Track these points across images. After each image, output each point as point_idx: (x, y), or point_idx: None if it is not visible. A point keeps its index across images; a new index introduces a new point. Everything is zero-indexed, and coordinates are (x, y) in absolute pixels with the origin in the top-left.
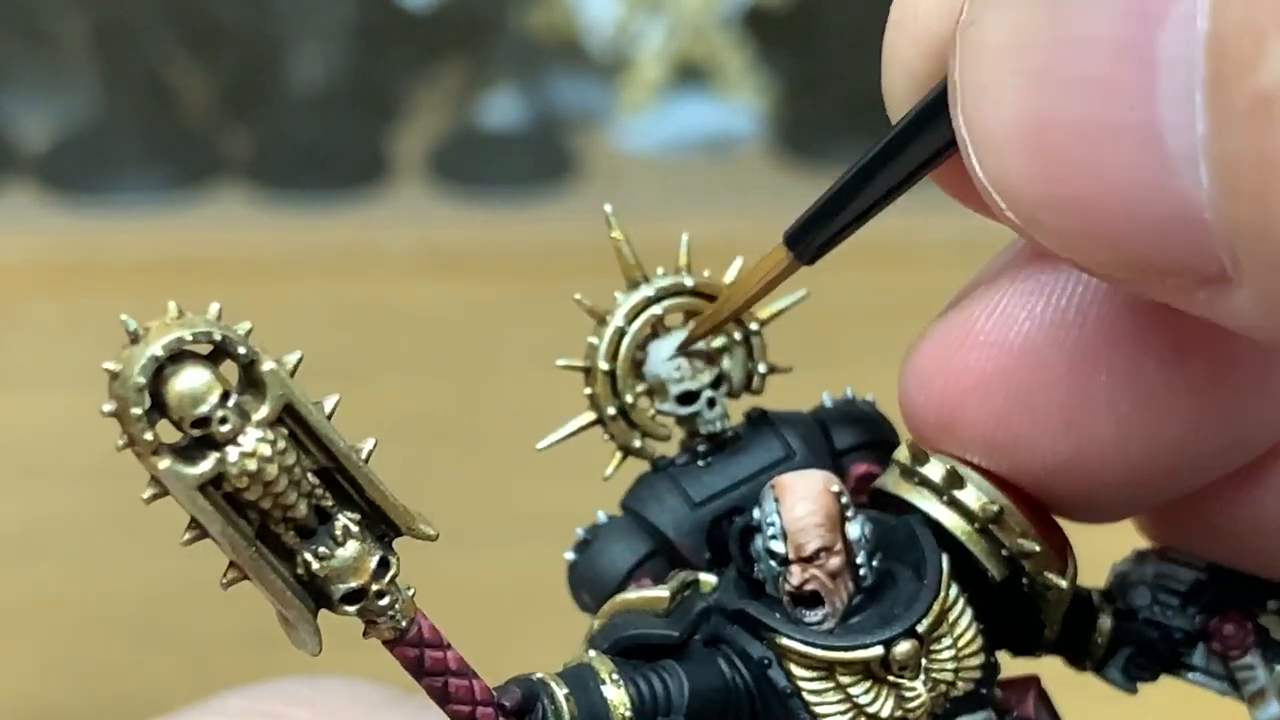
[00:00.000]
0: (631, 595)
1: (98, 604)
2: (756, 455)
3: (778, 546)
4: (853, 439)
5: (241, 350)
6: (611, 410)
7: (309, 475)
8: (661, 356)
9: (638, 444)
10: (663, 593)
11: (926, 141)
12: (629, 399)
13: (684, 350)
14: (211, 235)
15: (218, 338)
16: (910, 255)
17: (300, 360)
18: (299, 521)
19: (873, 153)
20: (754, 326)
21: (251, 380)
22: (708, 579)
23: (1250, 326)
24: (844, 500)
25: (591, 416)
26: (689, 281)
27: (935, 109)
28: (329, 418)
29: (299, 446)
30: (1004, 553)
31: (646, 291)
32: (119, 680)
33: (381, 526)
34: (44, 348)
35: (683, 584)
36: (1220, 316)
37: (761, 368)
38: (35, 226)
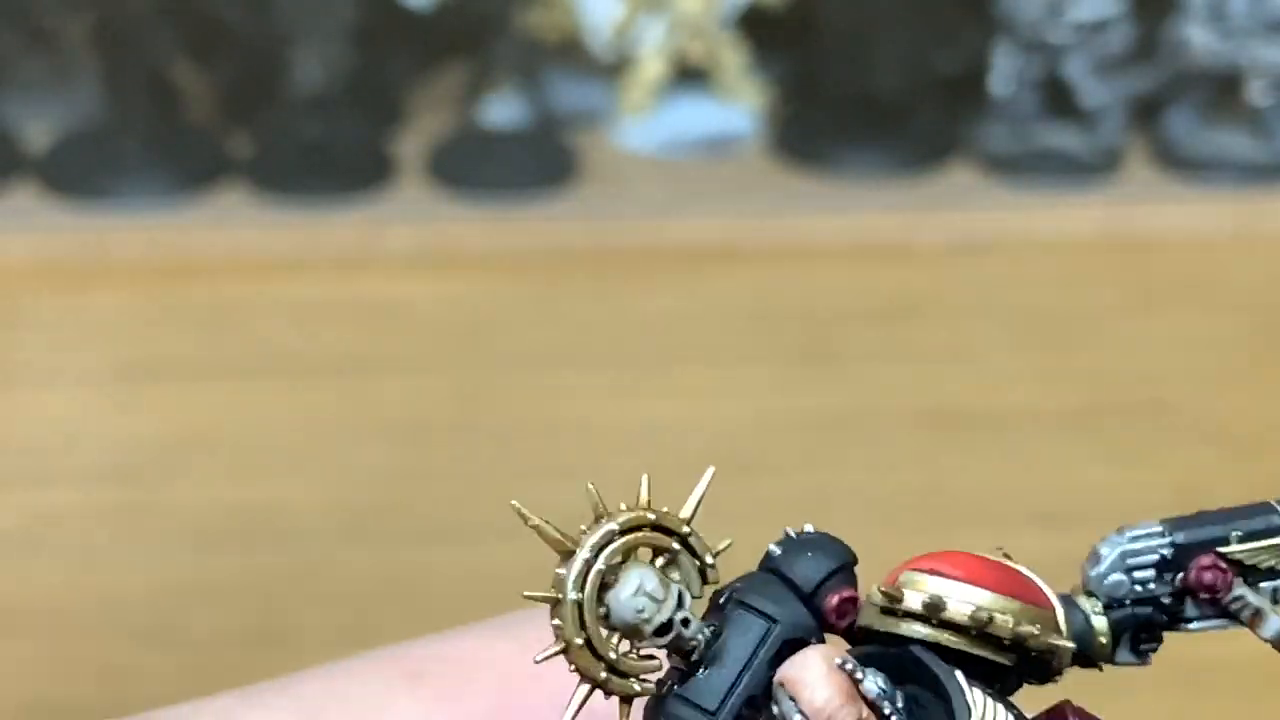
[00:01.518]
0: None
1: (99, 603)
2: (743, 639)
3: None
4: (815, 574)
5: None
6: (579, 641)
7: None
8: (622, 600)
9: (603, 676)
10: None
11: None
12: (611, 643)
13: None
14: (214, 235)
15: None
16: (910, 255)
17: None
18: None
19: None
20: (685, 530)
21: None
22: None
23: None
24: (849, 666)
25: (558, 647)
26: (651, 516)
27: None
28: None
29: None
30: (1006, 643)
31: (611, 525)
32: (121, 679)
33: None
34: (46, 347)
35: None
36: None
37: (709, 559)
38: (37, 226)
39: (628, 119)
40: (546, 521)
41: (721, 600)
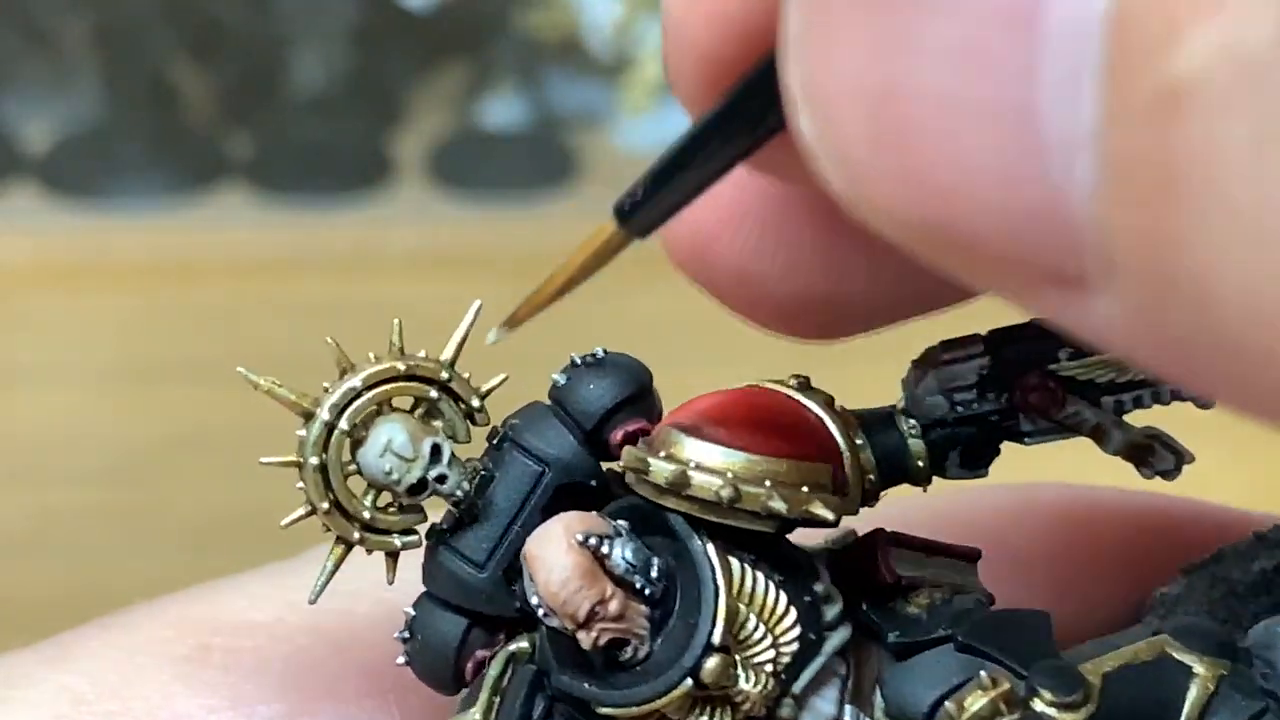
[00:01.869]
0: None
1: (99, 603)
2: (514, 485)
3: (553, 622)
4: (597, 406)
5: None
6: (325, 505)
7: None
8: (368, 461)
9: (357, 536)
10: (475, 715)
11: (756, 120)
12: (364, 503)
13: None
14: (213, 236)
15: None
16: None
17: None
18: None
19: (706, 118)
20: (444, 375)
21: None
22: (522, 645)
23: (1106, 335)
24: (592, 542)
25: (304, 510)
26: (402, 366)
27: (765, 85)
28: None
29: None
30: (760, 514)
31: (353, 382)
32: None
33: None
34: (46, 348)
35: (500, 672)
36: (1068, 321)
37: (475, 401)
38: (37, 227)
39: (628, 119)
40: (278, 384)
41: (496, 441)
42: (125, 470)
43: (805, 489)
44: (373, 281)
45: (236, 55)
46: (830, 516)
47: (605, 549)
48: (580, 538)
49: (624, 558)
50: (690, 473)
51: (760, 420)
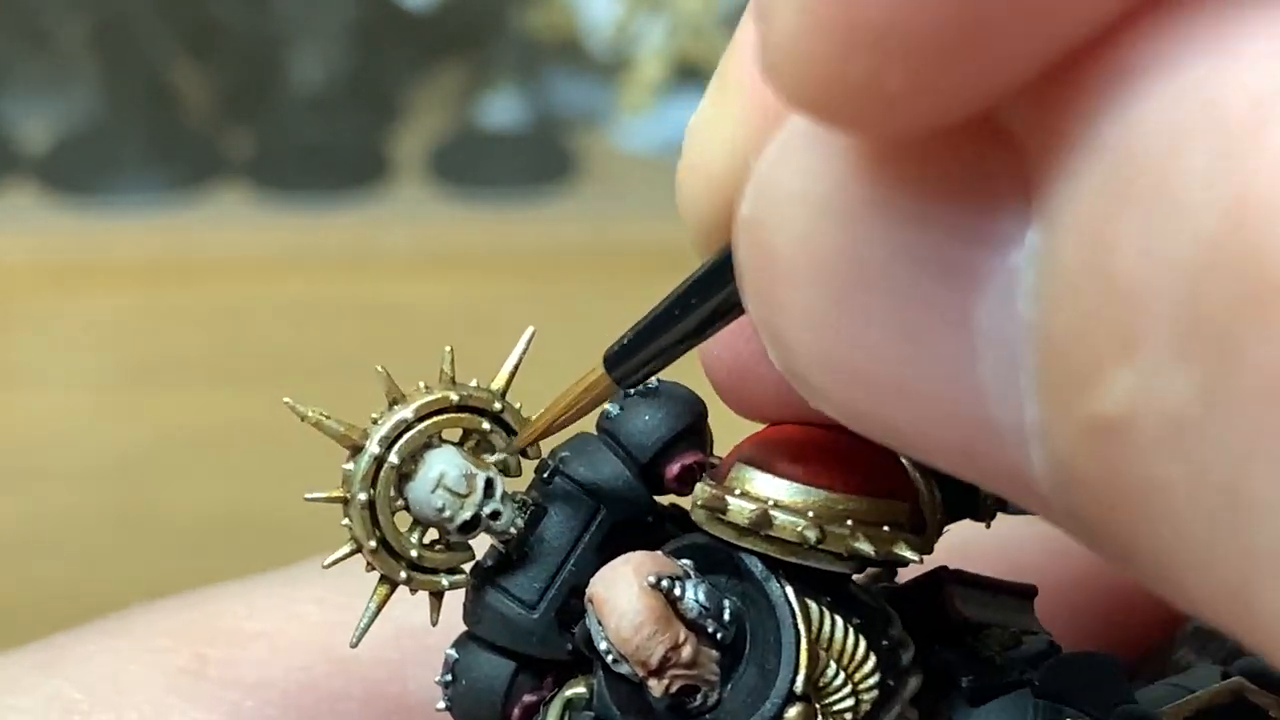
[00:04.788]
0: None
1: (98, 604)
2: (567, 521)
3: (623, 669)
4: (653, 439)
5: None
6: (372, 543)
7: None
8: (419, 497)
9: (404, 576)
10: None
11: (732, 293)
12: (410, 540)
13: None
14: (212, 235)
15: None
16: None
17: None
18: None
19: (690, 280)
20: (497, 406)
21: None
22: (579, 691)
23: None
24: (664, 584)
25: (348, 548)
26: (455, 396)
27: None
28: None
29: None
30: (843, 554)
31: (404, 413)
32: None
33: None
34: (44, 348)
35: (557, 718)
36: (1036, 511)
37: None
38: (36, 227)
39: (627, 119)
40: (326, 415)
41: (546, 474)
42: (123, 470)
43: (886, 528)
44: (372, 281)
45: (235, 54)
46: (915, 558)
47: (678, 591)
48: (652, 580)
49: (697, 600)
50: (771, 512)
51: (834, 454)
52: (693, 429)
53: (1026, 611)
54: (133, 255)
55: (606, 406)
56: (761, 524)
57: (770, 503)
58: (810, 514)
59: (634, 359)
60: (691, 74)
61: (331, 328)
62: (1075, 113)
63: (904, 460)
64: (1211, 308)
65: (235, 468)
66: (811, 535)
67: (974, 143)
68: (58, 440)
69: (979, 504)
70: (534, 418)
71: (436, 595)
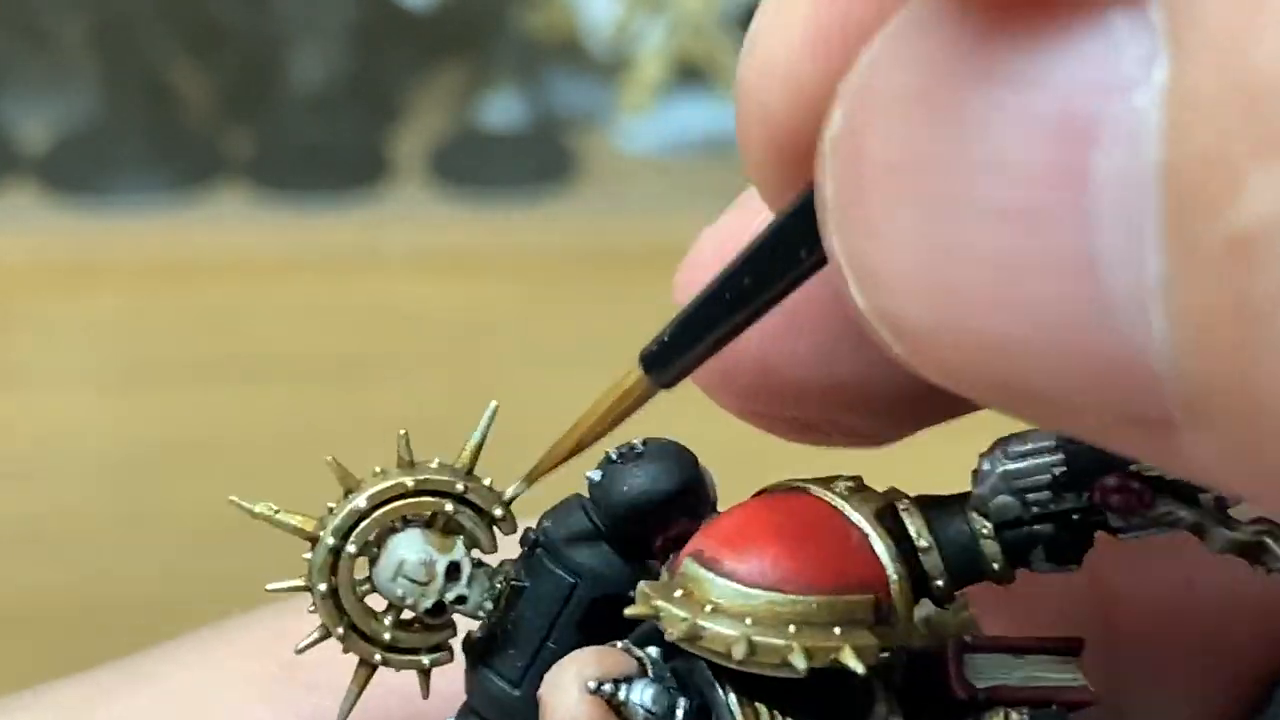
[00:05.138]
0: None
1: (98, 604)
2: (544, 599)
3: None
4: (633, 509)
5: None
6: (340, 630)
7: None
8: (382, 584)
9: (378, 659)
10: None
11: (797, 257)
12: (383, 623)
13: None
14: (212, 235)
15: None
16: None
17: None
18: None
19: (735, 266)
20: (459, 487)
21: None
22: None
23: (1199, 473)
24: (606, 689)
25: (318, 634)
26: (410, 481)
27: (805, 221)
28: None
29: None
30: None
31: (356, 502)
32: None
33: None
34: (44, 348)
35: None
36: (1156, 459)
37: (497, 510)
38: (35, 227)
39: (627, 119)
40: (275, 510)
41: (528, 547)
42: (123, 470)
43: (838, 629)
44: (371, 281)
45: (235, 54)
46: (859, 669)
47: (622, 695)
48: (592, 685)
49: (642, 705)
50: (702, 624)
51: (792, 544)
52: (682, 491)
53: (1066, 670)
54: (132, 255)
55: (588, 474)
56: (693, 637)
57: (708, 608)
58: (747, 620)
59: (679, 355)
60: (691, 74)
61: (331, 328)
62: None
63: (876, 544)
64: None
65: (235, 468)
66: (739, 651)
67: None
68: (58, 440)
69: (987, 569)
70: (560, 438)
71: (423, 672)
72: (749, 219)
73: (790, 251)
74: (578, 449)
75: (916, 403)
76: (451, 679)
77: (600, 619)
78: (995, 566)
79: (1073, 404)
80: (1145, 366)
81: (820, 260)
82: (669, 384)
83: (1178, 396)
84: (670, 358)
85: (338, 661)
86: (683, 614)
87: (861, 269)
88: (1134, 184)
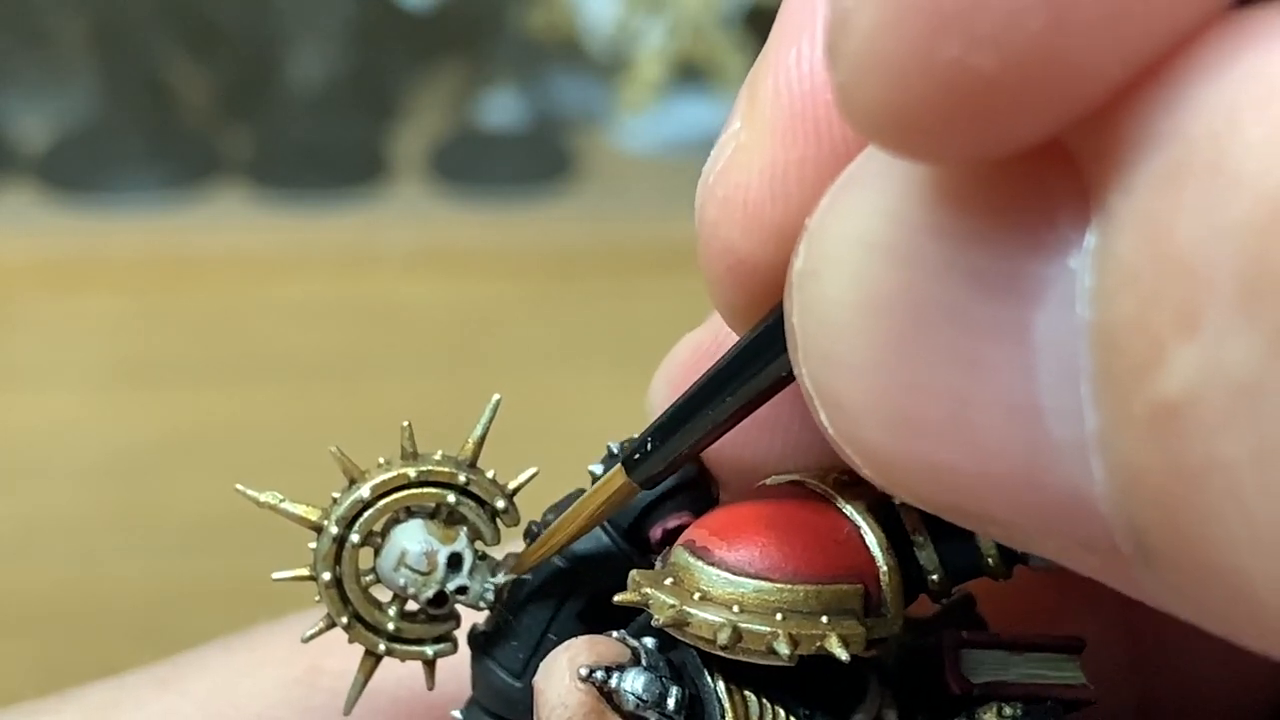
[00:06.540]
0: None
1: (98, 604)
2: (545, 590)
3: None
4: (636, 504)
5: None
6: (345, 619)
7: None
8: (384, 574)
9: (383, 649)
10: None
11: (768, 370)
12: (388, 613)
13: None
14: (211, 234)
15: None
16: None
17: None
18: None
19: (708, 377)
20: (462, 479)
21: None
22: None
23: (1156, 602)
24: (598, 676)
25: (323, 623)
26: (412, 472)
27: (776, 339)
28: None
29: None
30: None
31: (360, 492)
32: None
33: None
34: (44, 348)
35: None
36: (1119, 585)
37: (500, 503)
38: (34, 226)
39: (627, 119)
40: (281, 499)
41: (530, 540)
42: (123, 470)
43: (825, 618)
44: (370, 280)
45: (234, 54)
46: (844, 656)
47: (613, 683)
48: (584, 672)
49: (633, 693)
50: (689, 611)
51: (783, 535)
52: (681, 488)
53: (1066, 667)
54: (131, 254)
55: (591, 468)
56: (679, 623)
57: (696, 595)
58: (735, 608)
59: (655, 459)
60: (691, 74)
61: (331, 327)
62: (1130, 111)
63: (868, 536)
64: (1276, 262)
65: (235, 467)
66: (724, 637)
67: (1032, 156)
68: (57, 440)
69: (984, 565)
70: (551, 530)
71: (427, 663)
72: (724, 328)
73: (761, 367)
74: (569, 540)
75: None
76: (459, 676)
77: (601, 611)
78: (990, 562)
79: (1028, 532)
80: (1092, 508)
81: (790, 376)
82: (649, 485)
83: (1124, 537)
84: (650, 460)
85: (358, 664)
86: (670, 600)
87: (827, 397)
88: (1069, 343)
